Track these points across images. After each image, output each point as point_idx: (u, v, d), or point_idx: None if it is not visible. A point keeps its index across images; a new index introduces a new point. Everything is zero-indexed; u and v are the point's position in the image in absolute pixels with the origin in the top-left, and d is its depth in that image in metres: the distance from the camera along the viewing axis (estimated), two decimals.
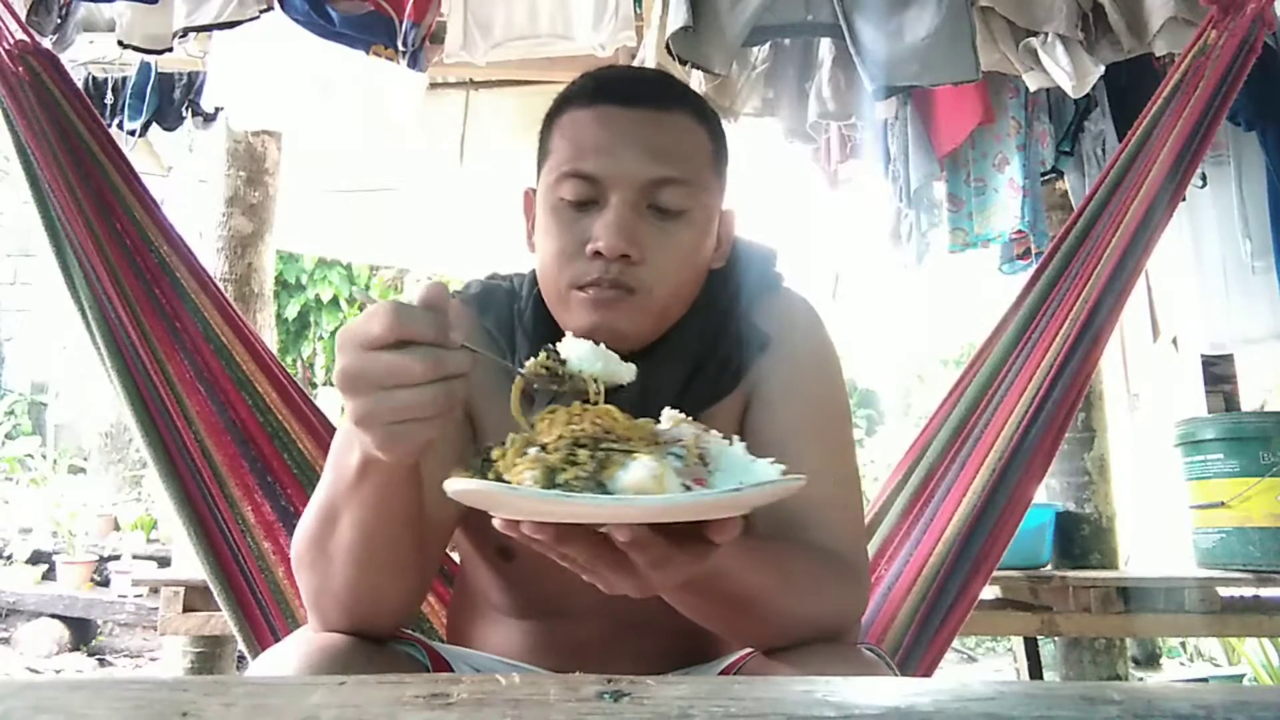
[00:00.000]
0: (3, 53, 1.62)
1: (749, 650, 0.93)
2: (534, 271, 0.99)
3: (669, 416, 0.68)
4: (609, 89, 0.91)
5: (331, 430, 1.57)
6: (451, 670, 0.94)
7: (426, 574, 0.91)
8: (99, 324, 1.56)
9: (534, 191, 0.97)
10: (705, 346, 0.94)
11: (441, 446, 0.80)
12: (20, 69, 1.61)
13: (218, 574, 1.52)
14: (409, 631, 0.95)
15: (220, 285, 2.99)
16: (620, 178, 0.87)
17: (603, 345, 0.72)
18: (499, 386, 0.90)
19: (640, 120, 0.89)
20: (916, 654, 1.43)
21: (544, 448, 0.62)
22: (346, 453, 0.74)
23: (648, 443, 0.63)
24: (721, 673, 0.95)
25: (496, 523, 0.63)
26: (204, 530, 1.53)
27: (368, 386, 0.62)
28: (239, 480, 1.56)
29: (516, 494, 0.59)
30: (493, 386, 0.91)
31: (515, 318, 0.98)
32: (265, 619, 1.52)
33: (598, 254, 0.85)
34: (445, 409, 0.63)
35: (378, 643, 0.85)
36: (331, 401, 7.11)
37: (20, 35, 1.64)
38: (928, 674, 1.44)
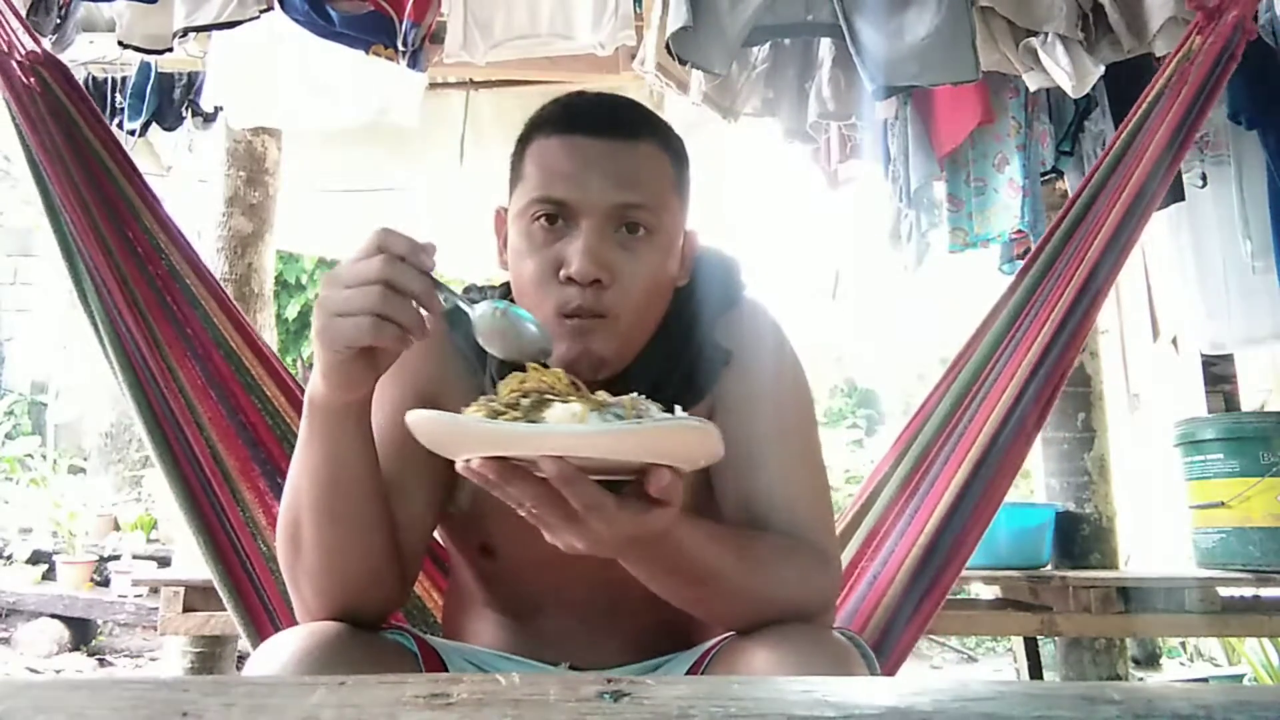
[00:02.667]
0: (15, 65, 1.61)
1: (724, 635, 0.96)
2: (505, 285, 1.04)
3: (630, 397, 0.72)
4: (578, 119, 0.95)
5: None
6: (439, 659, 0.98)
7: (408, 569, 0.96)
8: (110, 335, 1.57)
9: (505, 211, 1.01)
10: (669, 364, 0.99)
11: (413, 442, 0.84)
12: (32, 80, 1.62)
13: (225, 579, 1.53)
14: (401, 624, 1.00)
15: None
16: (589, 203, 0.90)
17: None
18: (469, 388, 0.99)
19: (608, 150, 0.92)
20: (890, 640, 1.46)
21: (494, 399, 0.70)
22: (303, 418, 0.85)
23: (587, 400, 0.69)
24: (699, 658, 0.99)
25: (457, 465, 0.70)
26: (211, 536, 1.54)
27: (333, 280, 0.75)
28: (250, 484, 1.57)
29: (450, 421, 0.67)
30: (463, 388, 0.98)
31: None
32: (272, 622, 1.53)
33: (571, 280, 0.89)
34: (376, 309, 0.73)
35: (368, 632, 0.90)
36: None
37: (31, 46, 1.63)
38: (901, 659, 1.47)
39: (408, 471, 0.94)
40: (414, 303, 0.75)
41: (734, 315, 1.04)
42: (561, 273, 0.90)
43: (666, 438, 0.67)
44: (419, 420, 0.68)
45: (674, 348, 0.99)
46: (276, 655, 0.84)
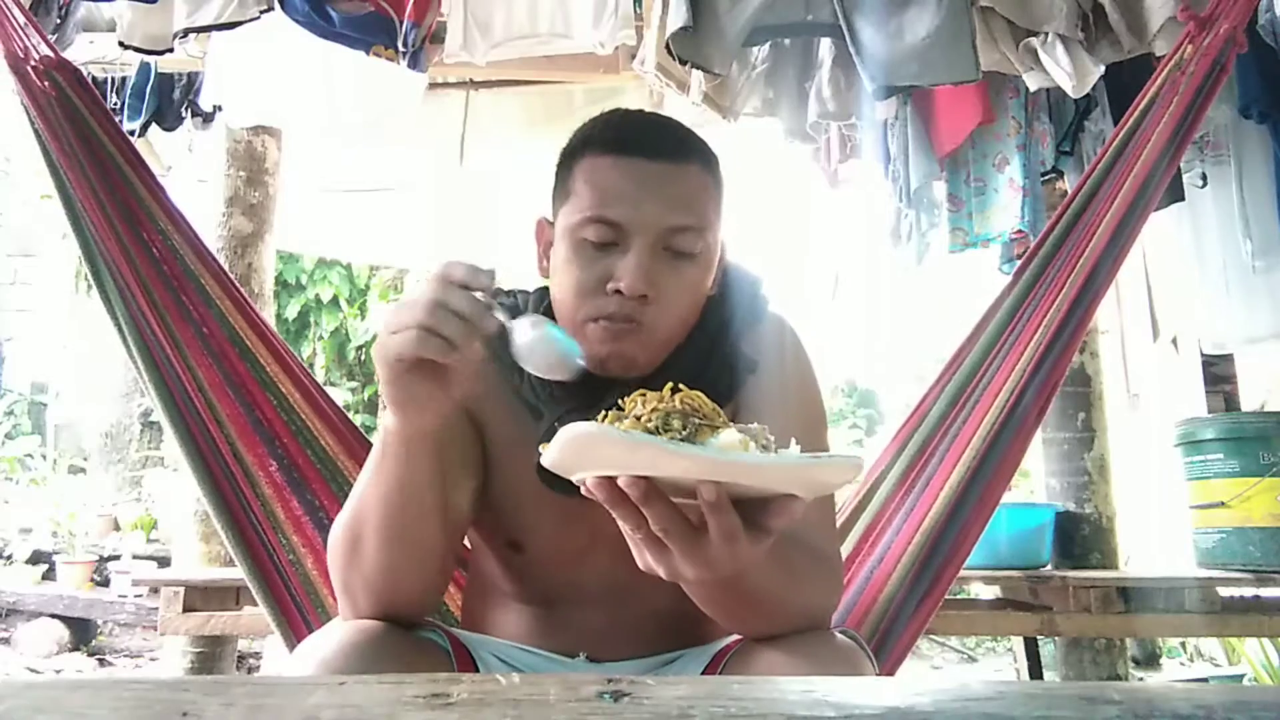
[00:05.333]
0: (30, 70, 1.63)
1: (739, 636, 0.99)
2: (539, 290, 1.09)
3: (760, 426, 0.73)
4: (630, 140, 0.98)
5: (349, 425, 1.68)
6: (470, 655, 1.02)
7: (447, 568, 1.00)
8: (134, 338, 1.60)
9: (547, 221, 1.05)
10: (697, 370, 1.01)
11: (449, 448, 0.94)
12: (46, 84, 1.63)
13: (255, 572, 1.57)
14: (431, 619, 1.03)
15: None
16: (642, 225, 0.94)
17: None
18: (505, 398, 1.04)
19: (659, 172, 0.96)
20: (891, 639, 1.47)
21: (638, 419, 0.68)
22: (377, 437, 0.86)
23: (727, 424, 0.69)
24: (716, 655, 1.02)
25: (589, 481, 0.68)
26: (240, 531, 1.58)
27: (410, 304, 0.76)
28: (268, 479, 1.60)
29: (636, 440, 0.63)
30: (495, 390, 1.03)
31: None
32: (300, 613, 1.57)
33: (618, 291, 0.93)
34: (422, 323, 0.74)
35: (405, 629, 0.94)
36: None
37: (45, 51, 1.65)
38: (901, 658, 1.48)
39: (450, 472, 0.96)
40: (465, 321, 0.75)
41: (760, 328, 1.08)
42: (610, 285, 0.94)
43: (831, 472, 0.69)
44: (583, 433, 0.64)
45: (704, 355, 1.03)
46: (321, 650, 0.87)
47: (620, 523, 0.71)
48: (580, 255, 0.96)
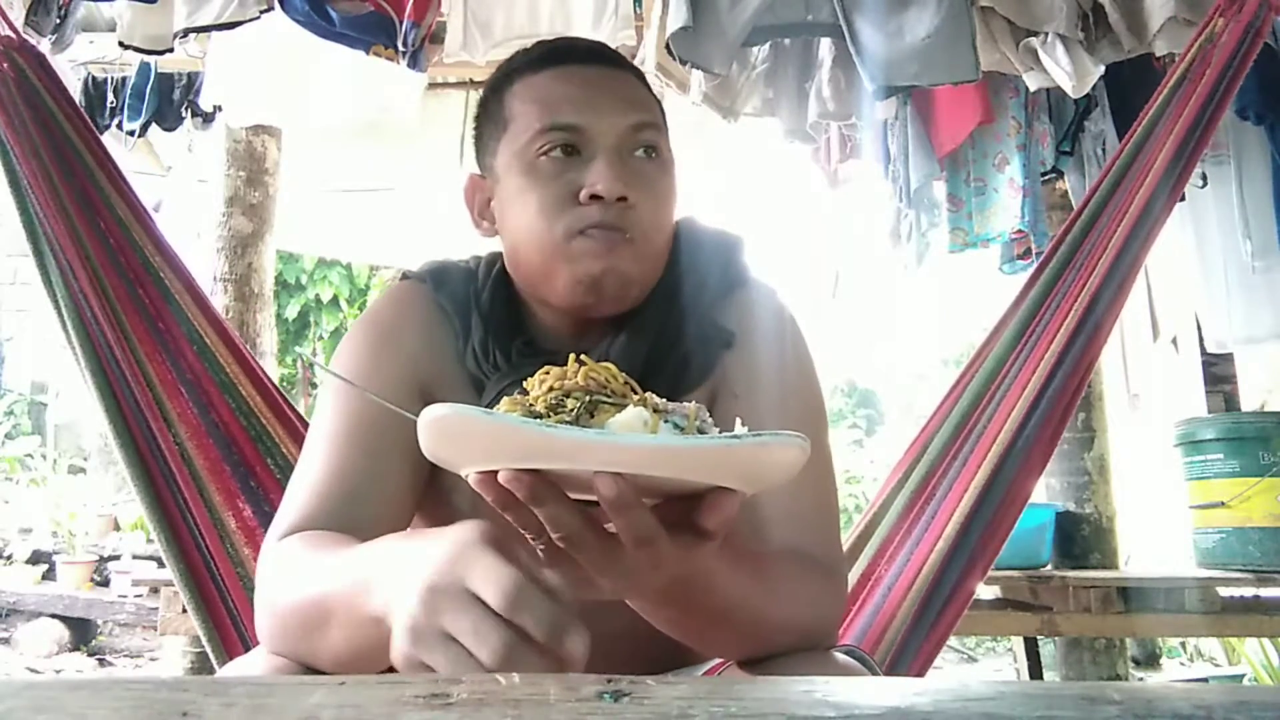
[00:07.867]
0: None
1: (724, 660, 0.89)
2: (491, 255, 0.99)
3: (695, 405, 0.61)
4: (562, 53, 0.91)
5: None
6: None
7: None
8: (74, 323, 1.55)
9: (478, 176, 0.96)
10: (666, 339, 0.91)
11: (397, 431, 0.82)
12: (5, 65, 1.62)
13: (188, 581, 1.50)
14: None
15: (218, 286, 3.01)
16: (604, 125, 0.86)
17: None
18: (454, 367, 0.93)
19: (603, 75, 0.90)
20: (911, 650, 1.43)
21: (532, 403, 0.56)
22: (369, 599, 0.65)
23: (645, 404, 0.56)
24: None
25: (471, 479, 0.57)
26: (175, 535, 1.51)
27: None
28: (221, 485, 1.52)
29: (493, 421, 0.51)
30: (448, 366, 0.93)
31: (472, 297, 0.95)
32: (237, 629, 1.49)
33: (594, 198, 0.84)
34: None
35: None
36: None
37: (5, 31, 1.65)
38: (922, 671, 1.44)
39: (391, 463, 0.85)
40: None
41: (738, 297, 0.96)
42: (583, 193, 0.84)
43: (766, 456, 0.54)
44: (439, 417, 0.52)
45: (673, 322, 0.92)
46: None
47: (519, 530, 0.59)
48: (540, 173, 0.86)
